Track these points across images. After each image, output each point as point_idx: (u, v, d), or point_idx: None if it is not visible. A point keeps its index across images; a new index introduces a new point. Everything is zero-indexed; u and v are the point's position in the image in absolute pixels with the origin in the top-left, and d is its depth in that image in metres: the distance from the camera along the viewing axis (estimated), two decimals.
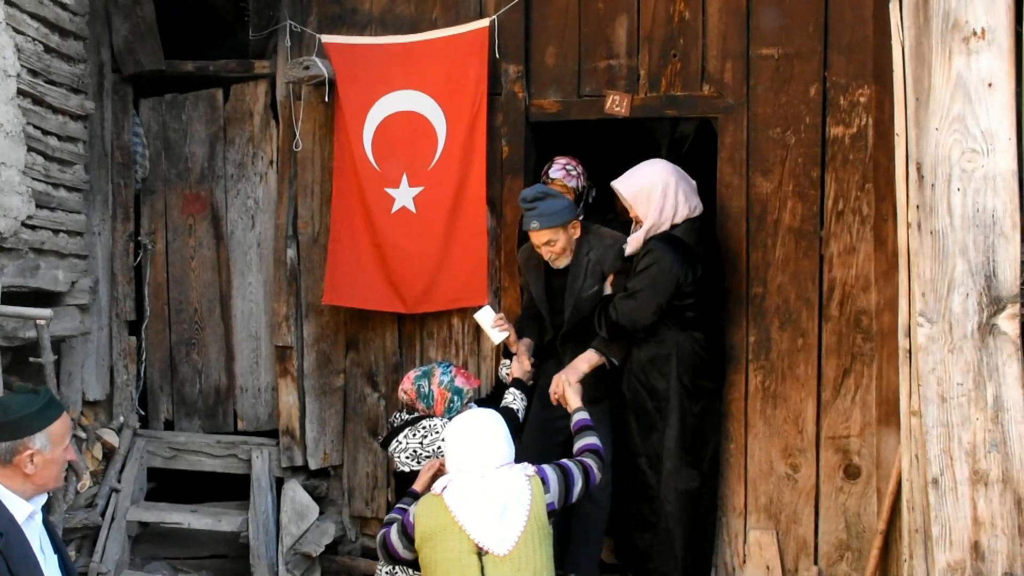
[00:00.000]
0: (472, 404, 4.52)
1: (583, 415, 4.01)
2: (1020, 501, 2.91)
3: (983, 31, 2.88)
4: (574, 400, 4.11)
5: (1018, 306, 2.88)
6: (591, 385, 4.38)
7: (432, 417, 4.29)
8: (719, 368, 4.60)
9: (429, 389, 4.33)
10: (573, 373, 4.28)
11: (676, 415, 4.36)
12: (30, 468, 2.89)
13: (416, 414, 4.35)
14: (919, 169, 3.00)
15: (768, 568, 4.61)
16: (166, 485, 5.66)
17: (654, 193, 4.35)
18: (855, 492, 4.55)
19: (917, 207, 3.02)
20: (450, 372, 4.36)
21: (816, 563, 4.60)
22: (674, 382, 4.36)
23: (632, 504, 4.51)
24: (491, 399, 4.59)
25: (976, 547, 2.94)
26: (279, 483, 5.30)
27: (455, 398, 4.31)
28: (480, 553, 3.40)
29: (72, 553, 5.08)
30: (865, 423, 4.52)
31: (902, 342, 3.25)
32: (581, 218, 4.58)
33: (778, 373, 4.62)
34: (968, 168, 2.91)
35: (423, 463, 4.14)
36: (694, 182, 4.55)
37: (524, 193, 4.45)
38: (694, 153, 6.28)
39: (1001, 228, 2.89)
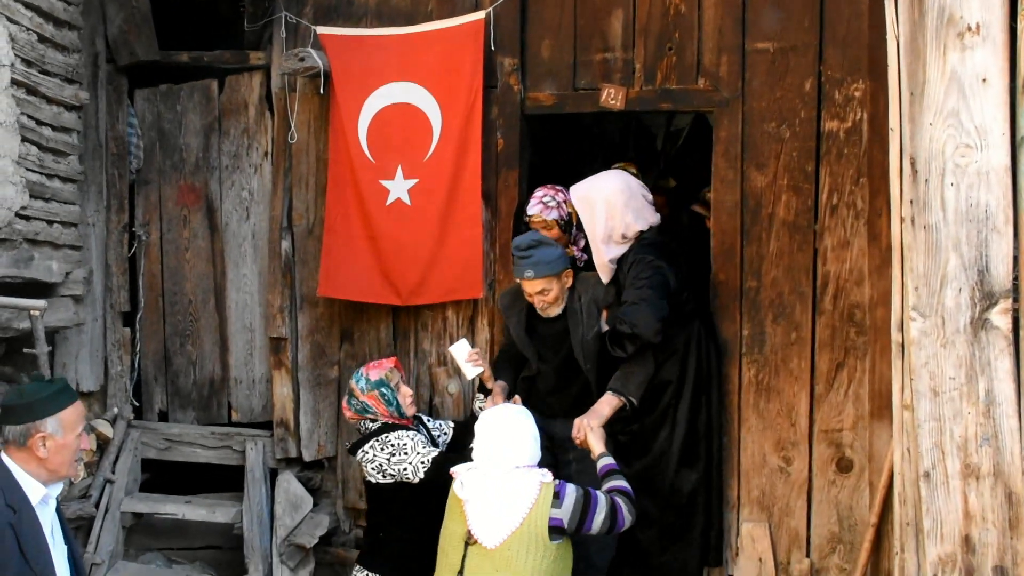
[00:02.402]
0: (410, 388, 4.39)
1: (608, 459, 3.93)
2: (1011, 495, 2.91)
3: (978, 26, 2.88)
4: (597, 446, 4.01)
5: (1010, 301, 2.88)
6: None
7: (399, 429, 4.17)
8: (721, 356, 4.62)
9: (360, 402, 4.26)
10: (595, 418, 4.13)
11: (687, 406, 4.38)
12: (42, 452, 3.02)
13: (381, 423, 4.24)
14: (913, 164, 3.00)
15: (760, 560, 4.62)
16: (160, 476, 5.66)
17: (616, 204, 4.35)
18: (847, 485, 4.56)
19: (911, 202, 3.02)
20: (360, 375, 4.28)
21: (808, 556, 4.61)
22: (686, 371, 4.38)
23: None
24: (464, 427, 4.52)
25: (967, 540, 2.95)
26: (273, 475, 5.31)
27: (384, 391, 4.21)
28: (469, 541, 3.42)
29: None
30: (858, 417, 4.53)
31: (895, 336, 3.25)
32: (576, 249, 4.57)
33: (771, 367, 4.62)
34: (962, 163, 2.91)
35: (387, 479, 4.11)
36: (648, 191, 4.56)
37: (517, 241, 4.36)
38: (690, 146, 6.30)
39: (994, 223, 2.88)
